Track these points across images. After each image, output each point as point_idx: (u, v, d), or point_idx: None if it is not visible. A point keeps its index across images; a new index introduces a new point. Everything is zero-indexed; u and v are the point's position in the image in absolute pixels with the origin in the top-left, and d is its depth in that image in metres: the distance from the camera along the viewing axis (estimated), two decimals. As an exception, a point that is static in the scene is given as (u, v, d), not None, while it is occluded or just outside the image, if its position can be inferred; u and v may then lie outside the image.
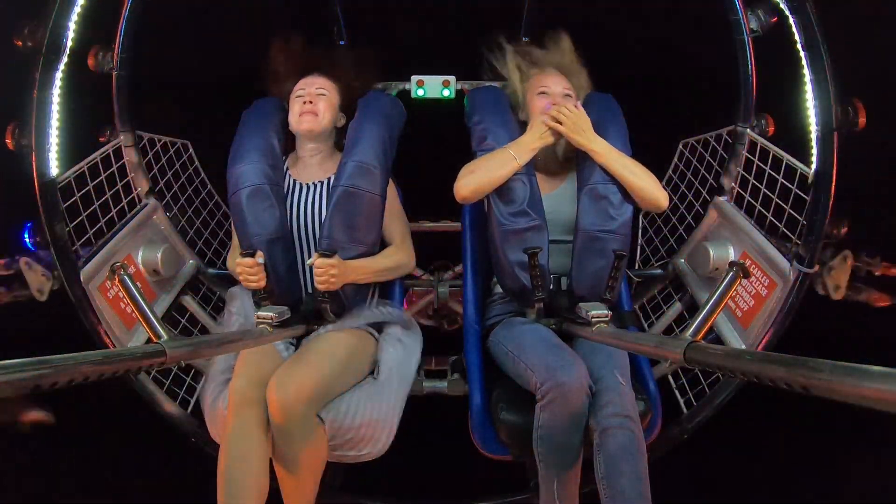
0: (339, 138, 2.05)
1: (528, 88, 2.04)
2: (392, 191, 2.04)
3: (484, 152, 1.91)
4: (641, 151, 1.93)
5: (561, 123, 1.83)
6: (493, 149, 1.90)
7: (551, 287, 1.92)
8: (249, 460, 1.58)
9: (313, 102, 1.97)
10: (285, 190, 1.99)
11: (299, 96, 1.99)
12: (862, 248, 1.91)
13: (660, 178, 2.76)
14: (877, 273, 1.93)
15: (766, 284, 2.09)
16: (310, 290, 1.93)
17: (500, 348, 1.88)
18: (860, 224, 1.95)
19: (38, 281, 1.89)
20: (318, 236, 1.90)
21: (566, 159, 2.01)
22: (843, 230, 1.90)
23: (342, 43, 2.93)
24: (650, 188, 1.82)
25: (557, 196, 1.97)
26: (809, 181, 1.90)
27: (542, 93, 1.98)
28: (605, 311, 1.70)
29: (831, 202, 1.85)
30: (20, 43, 1.77)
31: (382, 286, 2.12)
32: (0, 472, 2.56)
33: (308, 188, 2.00)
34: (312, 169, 2.03)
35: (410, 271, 2.11)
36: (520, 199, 1.85)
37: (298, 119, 1.96)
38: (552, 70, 2.06)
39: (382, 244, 2.01)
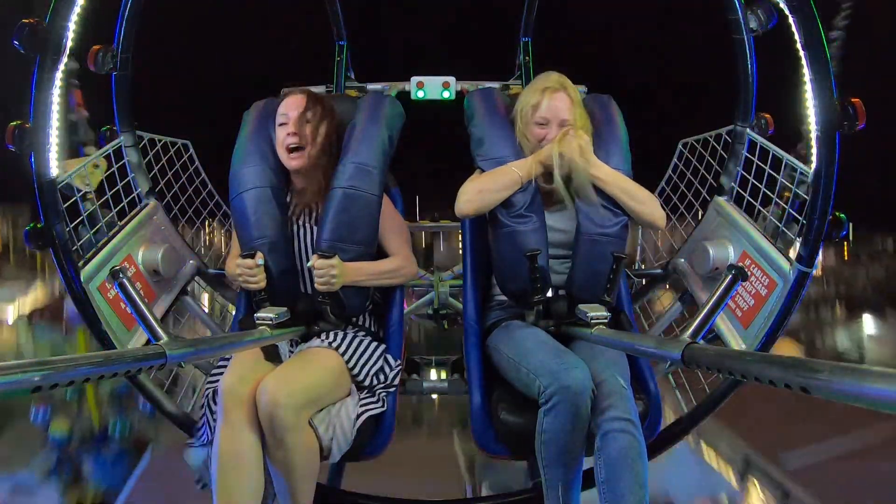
0: (334, 154, 1.95)
1: (527, 112, 1.94)
2: (388, 200, 2.02)
3: (482, 157, 1.92)
4: (642, 152, 1.93)
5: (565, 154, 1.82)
6: (490, 153, 1.90)
7: (550, 289, 1.91)
8: (243, 460, 1.58)
9: (297, 134, 1.86)
10: (287, 192, 1.98)
11: (282, 124, 1.89)
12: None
13: (660, 178, 2.79)
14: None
15: (766, 284, 2.09)
16: (309, 291, 1.92)
17: (501, 354, 1.87)
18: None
19: None
20: (317, 238, 1.89)
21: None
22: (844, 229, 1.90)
23: (342, 43, 2.94)
24: (649, 212, 1.86)
25: (559, 213, 1.96)
26: (809, 181, 1.90)
27: (540, 124, 1.92)
28: (605, 313, 1.70)
29: (831, 202, 1.85)
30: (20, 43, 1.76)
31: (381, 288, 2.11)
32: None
33: (305, 213, 1.99)
34: (309, 192, 2.01)
35: (412, 277, 2.08)
36: (520, 202, 1.85)
37: (287, 157, 1.89)
38: (550, 93, 1.92)
39: (381, 254, 2.00)
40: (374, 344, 1.93)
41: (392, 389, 1.88)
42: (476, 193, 1.86)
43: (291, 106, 1.90)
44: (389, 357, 1.94)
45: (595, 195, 1.84)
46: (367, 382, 1.84)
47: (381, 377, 1.88)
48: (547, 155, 1.85)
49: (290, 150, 1.89)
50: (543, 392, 1.61)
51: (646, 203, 1.85)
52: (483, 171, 1.92)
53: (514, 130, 1.99)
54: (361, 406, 1.76)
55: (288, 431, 1.58)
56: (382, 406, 1.82)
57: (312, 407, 1.67)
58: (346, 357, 1.81)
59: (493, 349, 1.93)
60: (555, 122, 1.90)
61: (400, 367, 1.96)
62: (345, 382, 1.80)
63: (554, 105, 1.90)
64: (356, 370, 1.82)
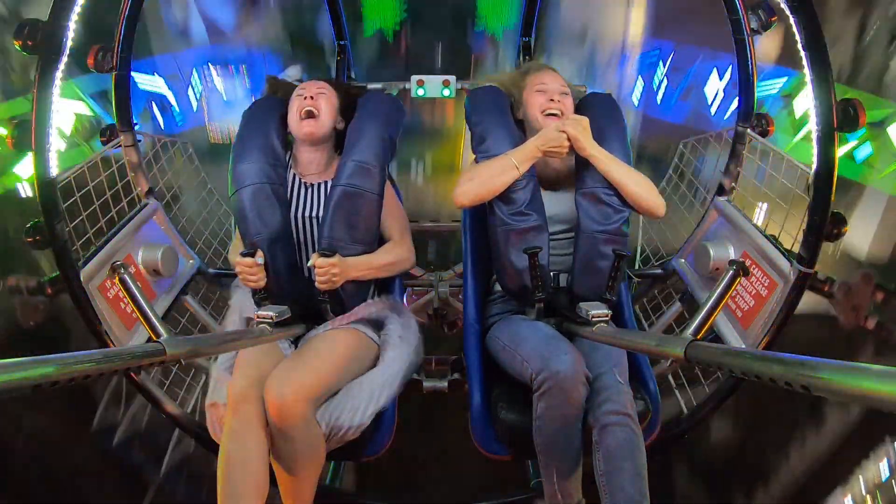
0: (338, 141, 2.03)
1: (525, 86, 2.04)
2: (389, 188, 2.04)
3: (483, 153, 1.92)
4: (642, 151, 1.94)
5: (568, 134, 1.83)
6: (492, 149, 1.90)
7: (551, 286, 1.91)
8: (249, 458, 1.58)
9: (314, 99, 1.96)
10: (288, 188, 1.99)
11: (299, 94, 1.99)
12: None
13: (660, 178, 2.79)
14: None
15: (766, 284, 2.09)
16: (310, 289, 1.92)
17: (497, 343, 1.88)
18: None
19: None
20: (317, 235, 1.89)
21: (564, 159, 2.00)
22: (844, 230, 1.90)
23: (343, 42, 2.94)
24: (648, 196, 1.83)
25: (557, 193, 1.97)
26: (809, 181, 1.90)
27: (540, 90, 1.98)
28: (606, 311, 1.69)
29: (831, 202, 1.85)
30: (20, 43, 1.76)
31: (382, 284, 2.12)
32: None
33: (309, 188, 2.00)
34: (312, 170, 2.03)
35: (410, 267, 2.10)
36: (520, 199, 1.85)
37: (299, 123, 1.95)
38: (548, 69, 2.06)
39: (381, 241, 2.01)
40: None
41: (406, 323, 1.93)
42: (469, 181, 1.85)
43: (311, 84, 2.04)
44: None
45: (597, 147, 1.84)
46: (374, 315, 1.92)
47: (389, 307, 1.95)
48: (549, 137, 1.83)
49: (304, 118, 1.94)
50: (535, 378, 1.62)
51: (644, 188, 1.83)
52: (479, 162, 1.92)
53: (515, 125, 1.99)
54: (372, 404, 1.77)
55: (296, 425, 1.60)
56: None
57: (320, 398, 1.68)
58: (352, 318, 1.87)
59: (492, 340, 1.93)
60: (555, 90, 1.97)
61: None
62: (360, 357, 1.83)
63: (551, 75, 2.01)
64: (362, 313, 1.90)
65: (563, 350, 1.63)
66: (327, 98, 1.99)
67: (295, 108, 1.97)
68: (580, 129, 1.82)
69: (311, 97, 1.96)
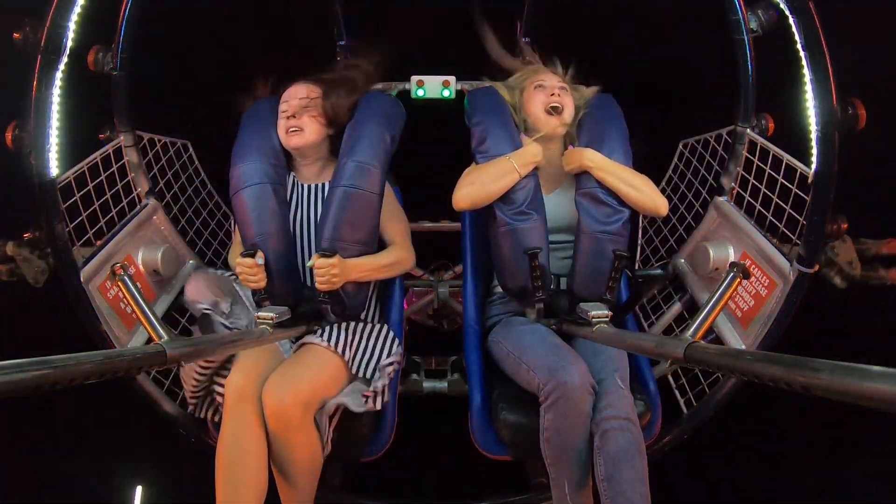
0: (334, 144, 2.02)
1: (525, 85, 2.04)
2: (389, 191, 2.03)
3: (483, 154, 1.91)
4: (641, 152, 1.94)
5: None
6: (492, 150, 1.89)
7: (551, 287, 1.91)
8: (247, 458, 1.58)
9: (297, 117, 1.93)
10: (288, 190, 1.98)
11: (283, 111, 1.96)
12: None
13: (660, 179, 2.79)
14: (883, 251, 1.96)
15: (766, 284, 2.09)
16: (310, 290, 1.92)
17: (500, 349, 1.88)
18: (860, 223, 1.97)
19: (33, 271, 1.91)
20: (317, 236, 1.89)
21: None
22: (843, 227, 1.90)
23: (342, 43, 2.93)
24: (649, 199, 1.83)
25: (558, 197, 1.97)
26: (809, 181, 1.90)
27: (539, 87, 1.99)
28: (606, 312, 1.70)
29: (831, 202, 1.85)
30: (18, 37, 1.76)
31: (382, 286, 2.12)
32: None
33: (309, 190, 2.00)
34: (310, 173, 2.03)
35: (411, 268, 2.10)
36: (520, 199, 1.84)
37: (286, 137, 1.94)
38: (547, 69, 2.07)
39: (382, 245, 2.01)
40: (376, 336, 1.93)
41: (391, 373, 1.85)
42: (469, 185, 1.85)
43: (293, 92, 1.99)
44: (391, 345, 1.93)
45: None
46: (367, 376, 1.83)
47: (380, 363, 1.86)
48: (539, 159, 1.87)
49: (290, 131, 1.93)
50: (542, 389, 1.62)
51: (643, 190, 1.83)
52: (479, 164, 1.92)
53: (515, 125, 1.99)
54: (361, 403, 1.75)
55: (294, 430, 1.59)
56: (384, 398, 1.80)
57: (318, 403, 1.68)
58: (346, 356, 1.81)
59: (494, 344, 1.93)
60: (553, 85, 1.98)
61: (401, 355, 1.95)
62: (343, 380, 1.79)
63: (549, 73, 2.03)
64: (355, 367, 1.82)
65: (569, 361, 1.63)
66: (311, 113, 1.95)
67: (281, 126, 1.96)
68: (576, 166, 1.86)
69: (294, 116, 1.93)
